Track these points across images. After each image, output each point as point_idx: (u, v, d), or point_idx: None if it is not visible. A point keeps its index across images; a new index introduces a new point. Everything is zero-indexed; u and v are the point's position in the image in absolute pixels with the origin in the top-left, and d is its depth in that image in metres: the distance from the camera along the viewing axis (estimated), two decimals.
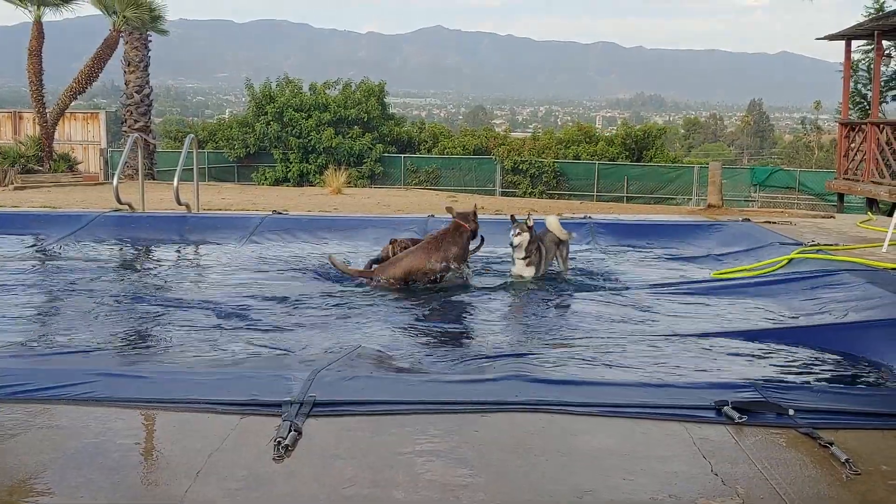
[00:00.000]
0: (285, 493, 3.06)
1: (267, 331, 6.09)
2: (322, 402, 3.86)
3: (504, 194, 31.56)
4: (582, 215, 12.00)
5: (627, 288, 7.69)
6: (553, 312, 6.78)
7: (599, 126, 68.53)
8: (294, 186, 30.78)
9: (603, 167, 33.33)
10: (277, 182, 33.57)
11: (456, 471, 3.22)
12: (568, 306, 7.03)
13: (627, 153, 34.79)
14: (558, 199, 29.10)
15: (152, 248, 10.37)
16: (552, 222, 8.21)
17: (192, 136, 13.56)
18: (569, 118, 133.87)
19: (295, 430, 3.54)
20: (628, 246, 10.27)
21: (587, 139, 35.73)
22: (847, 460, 3.27)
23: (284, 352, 5.52)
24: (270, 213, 11.87)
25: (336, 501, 2.98)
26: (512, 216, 7.97)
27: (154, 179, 26.43)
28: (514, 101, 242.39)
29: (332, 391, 4.02)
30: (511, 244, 7.68)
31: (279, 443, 3.42)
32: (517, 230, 7.69)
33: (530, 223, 7.75)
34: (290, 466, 3.29)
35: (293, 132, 34.49)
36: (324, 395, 3.94)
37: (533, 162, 33.45)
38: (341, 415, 3.81)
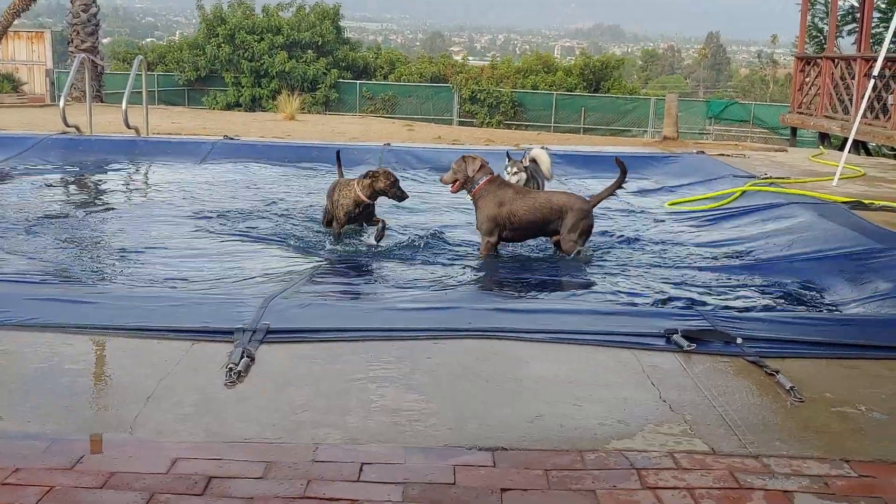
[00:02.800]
0: (237, 417, 3.05)
1: (219, 257, 6.03)
2: (275, 329, 3.84)
3: (461, 124, 31.32)
4: (541, 146, 11.96)
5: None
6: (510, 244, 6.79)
7: (558, 56, 67.96)
8: (246, 111, 30.19)
9: (561, 98, 33.18)
10: (229, 107, 32.86)
11: (408, 396, 3.23)
12: None
13: (585, 84, 34.65)
14: (515, 129, 28.96)
15: (100, 172, 10.14)
16: (541, 156, 7.83)
17: (141, 57, 13.19)
18: (527, 47, 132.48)
19: (247, 356, 3.52)
20: (586, 177, 10.30)
21: (546, 69, 35.47)
22: (792, 388, 3.35)
23: (238, 279, 5.48)
24: (222, 138, 11.67)
25: (288, 426, 2.98)
26: (507, 152, 7.68)
27: (102, 102, 25.70)
28: (472, 29, 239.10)
29: (286, 318, 4.00)
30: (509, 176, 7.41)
31: (231, 368, 3.40)
32: (514, 168, 7.31)
33: (526, 162, 7.44)
34: (243, 392, 3.28)
35: (245, 55, 33.68)
36: (277, 322, 3.92)
37: (491, 91, 33.16)
38: (294, 342, 3.80)
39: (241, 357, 3.50)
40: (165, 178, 9.55)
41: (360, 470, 2.67)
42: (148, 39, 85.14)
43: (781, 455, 2.82)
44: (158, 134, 13.21)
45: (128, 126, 11.92)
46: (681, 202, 8.65)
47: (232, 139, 11.59)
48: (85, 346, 3.75)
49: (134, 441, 2.86)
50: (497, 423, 3.03)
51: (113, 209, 7.86)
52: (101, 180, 9.81)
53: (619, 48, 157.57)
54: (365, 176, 6.40)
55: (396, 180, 6.44)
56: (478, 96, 33.22)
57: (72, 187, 9.28)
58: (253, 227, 6.96)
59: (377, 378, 3.40)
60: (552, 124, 32.02)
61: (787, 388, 3.35)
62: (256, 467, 2.69)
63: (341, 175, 6.95)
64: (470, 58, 48.50)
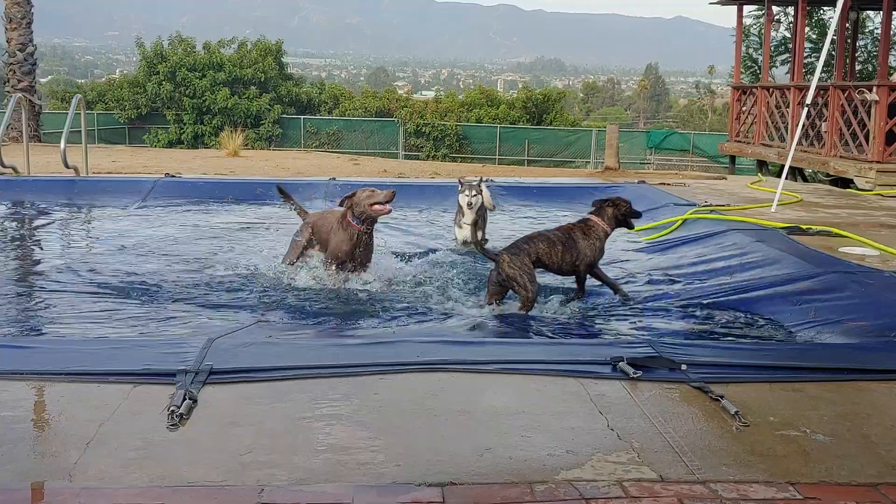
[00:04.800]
0: (180, 460, 2.98)
1: (162, 299, 5.92)
2: (219, 370, 3.77)
3: (407, 157, 31.42)
4: (486, 178, 12.04)
5: None
6: (457, 275, 6.78)
7: (501, 89, 68.78)
8: (189, 149, 29.89)
9: (504, 130, 33.50)
10: (171, 144, 32.53)
11: (355, 434, 3.19)
12: (472, 268, 7.06)
13: (528, 117, 35.05)
14: (461, 162, 29.13)
15: (38, 213, 9.93)
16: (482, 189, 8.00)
17: (79, 96, 13.00)
18: (471, 81, 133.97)
19: (190, 399, 3.45)
20: (529, 207, 10.39)
21: (489, 102, 35.82)
22: (736, 413, 3.38)
23: (180, 321, 5.38)
24: (163, 176, 11.52)
25: (233, 468, 2.91)
26: (460, 179, 7.82)
27: (40, 142, 25.26)
28: (416, 63, 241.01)
29: (229, 358, 3.94)
30: (468, 204, 7.48)
31: (173, 411, 3.32)
32: (473, 191, 7.48)
33: (482, 187, 7.60)
34: (185, 434, 3.21)
35: (187, 92, 33.44)
36: (220, 362, 3.85)
37: (436, 125, 33.35)
38: (239, 382, 3.73)
39: (184, 399, 3.43)
40: (105, 218, 9.38)
41: None
42: (87, 78, 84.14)
43: (728, 480, 2.84)
44: (98, 173, 13.01)
45: (66, 166, 11.72)
46: (641, 229, 8.79)
47: (174, 177, 11.46)
48: (22, 391, 3.64)
49: (74, 488, 2.77)
50: (446, 458, 3.00)
51: (50, 251, 7.69)
52: (38, 221, 9.60)
53: (560, 81, 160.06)
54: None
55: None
56: (423, 130, 33.38)
57: (8, 229, 9.06)
58: (197, 268, 6.86)
59: (323, 416, 3.35)
60: (497, 157, 32.29)
61: (732, 412, 3.38)
62: None
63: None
64: (414, 92, 48.81)
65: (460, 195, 7.61)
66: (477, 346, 4.33)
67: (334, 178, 11.71)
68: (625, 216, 6.13)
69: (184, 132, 33.35)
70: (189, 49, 34.90)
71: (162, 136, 33.35)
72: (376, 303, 5.86)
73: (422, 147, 33.26)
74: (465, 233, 7.62)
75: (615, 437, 3.19)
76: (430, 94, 42.10)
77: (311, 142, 33.37)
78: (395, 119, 33.98)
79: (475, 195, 7.54)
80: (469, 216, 7.52)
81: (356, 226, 6.18)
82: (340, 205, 6.29)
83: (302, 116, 34.59)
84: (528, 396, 3.65)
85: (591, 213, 6.11)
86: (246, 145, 25.79)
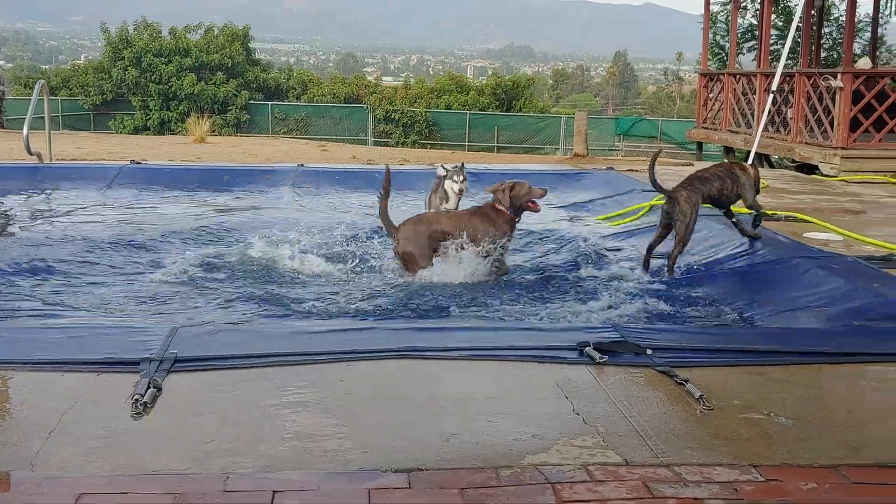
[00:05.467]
0: (144, 449, 2.95)
1: (126, 287, 5.86)
2: (183, 358, 3.74)
3: (377, 144, 31.30)
4: (454, 165, 12.03)
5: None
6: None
7: (471, 76, 68.80)
8: (155, 135, 29.55)
9: (474, 117, 33.48)
10: (137, 131, 32.16)
11: (321, 421, 3.18)
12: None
13: (498, 103, 35.06)
14: (431, 149, 29.06)
15: (1, 200, 9.76)
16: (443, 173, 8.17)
17: (43, 82, 12.80)
18: (441, 67, 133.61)
19: (154, 387, 3.41)
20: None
21: (458, 89, 35.76)
22: (701, 396, 3.41)
23: (145, 309, 5.33)
24: (129, 162, 11.37)
25: (197, 456, 2.89)
26: (443, 165, 7.84)
27: (3, 128, 24.86)
28: (386, 49, 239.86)
29: (195, 346, 3.90)
30: (459, 191, 7.47)
31: (137, 400, 3.29)
32: (461, 177, 7.46)
33: (463, 174, 7.58)
34: (149, 423, 3.17)
35: (153, 78, 33.05)
36: (185, 350, 3.82)
37: (405, 111, 33.24)
38: (204, 370, 3.70)
39: (148, 388, 3.39)
40: (69, 205, 9.24)
41: (272, 498, 2.61)
42: (52, 64, 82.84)
43: (692, 463, 2.87)
44: (62, 160, 12.81)
45: (30, 152, 11.51)
46: (606, 217, 8.84)
47: (139, 163, 11.31)
48: None
49: (36, 478, 2.74)
50: (412, 444, 3.00)
51: (13, 238, 7.57)
52: (1, 208, 9.44)
53: (530, 68, 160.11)
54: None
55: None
56: (392, 116, 33.26)
57: None
58: (162, 255, 6.79)
59: (289, 403, 3.33)
60: (466, 143, 32.28)
61: (697, 396, 3.41)
62: (165, 500, 2.61)
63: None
64: (384, 78, 48.59)
65: (448, 181, 7.61)
66: (444, 332, 4.33)
67: (302, 165, 11.64)
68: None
69: (150, 118, 32.99)
70: (155, 34, 34.50)
71: (128, 123, 32.97)
72: (342, 289, 5.83)
73: (391, 133, 33.16)
74: None
75: (581, 421, 3.21)
76: (399, 81, 41.91)
77: (279, 128, 33.14)
78: (365, 105, 33.82)
79: (464, 181, 7.57)
80: (454, 202, 7.58)
81: (510, 214, 6.28)
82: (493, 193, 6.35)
83: (270, 102, 34.33)
84: (495, 382, 3.66)
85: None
86: (213, 131, 25.55)
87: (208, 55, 33.81)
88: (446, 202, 7.68)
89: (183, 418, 3.22)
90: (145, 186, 10.20)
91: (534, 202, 6.33)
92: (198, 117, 25.04)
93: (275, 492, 2.64)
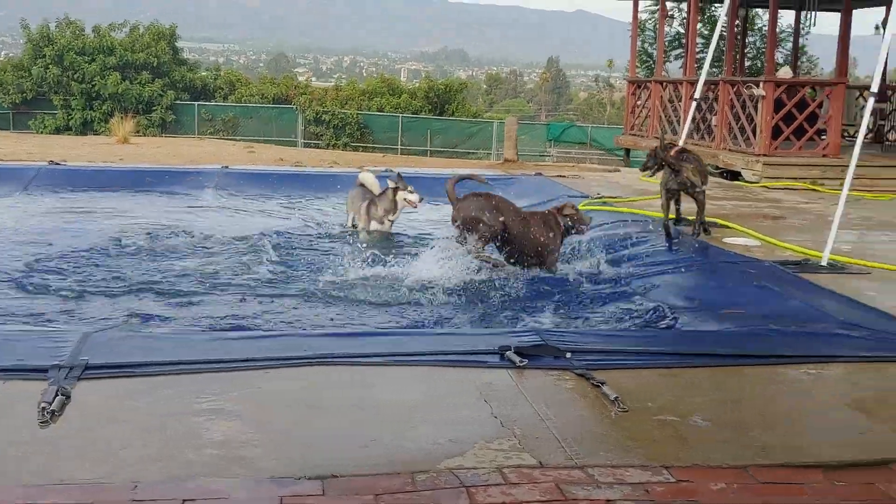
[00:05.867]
0: (51, 458, 2.86)
1: (39, 292, 5.68)
2: (94, 364, 3.64)
3: (307, 146, 31.04)
4: (384, 168, 12.00)
5: (429, 237, 7.86)
6: (351, 267, 6.73)
7: (405, 79, 68.69)
8: (77, 135, 28.81)
9: (407, 120, 33.42)
10: (59, 130, 31.26)
11: (236, 428, 3.12)
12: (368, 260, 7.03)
13: (431, 107, 35.04)
14: (363, 151, 28.95)
15: None
16: (367, 178, 8.34)
17: None
18: (374, 69, 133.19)
19: (63, 395, 3.31)
20: (429, 198, 10.39)
21: (391, 91, 35.65)
22: (616, 398, 3.45)
23: (58, 315, 5.18)
24: (47, 163, 11.06)
25: (106, 465, 2.81)
26: (368, 170, 8.28)
27: None
28: (318, 50, 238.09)
29: (107, 353, 3.81)
30: (412, 202, 7.76)
31: (44, 408, 3.19)
32: (411, 186, 7.77)
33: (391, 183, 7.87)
34: (57, 431, 3.08)
35: (75, 77, 32.19)
36: (97, 357, 3.72)
37: (336, 113, 32.98)
38: (116, 377, 3.61)
39: (56, 395, 3.29)
40: None
41: None
42: None
43: (605, 465, 2.90)
44: None
45: None
46: None
47: (58, 164, 11.01)
48: None
49: None
50: (329, 451, 2.97)
51: None
52: None
53: (464, 72, 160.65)
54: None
55: None
56: (323, 118, 32.98)
57: None
58: (77, 260, 6.60)
59: (203, 411, 3.27)
60: (399, 147, 32.22)
61: (612, 398, 3.45)
62: None
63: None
64: (315, 79, 48.20)
65: (404, 192, 7.75)
66: (365, 338, 4.31)
67: (227, 167, 11.47)
68: None
69: (72, 118, 32.12)
70: (78, 32, 33.61)
71: (49, 122, 32.04)
72: (265, 294, 5.76)
73: (322, 135, 32.89)
74: (383, 227, 7.92)
75: (498, 424, 3.21)
76: (331, 83, 41.62)
77: (205, 128, 32.59)
78: (294, 106, 33.48)
79: (413, 189, 7.80)
80: (398, 213, 7.73)
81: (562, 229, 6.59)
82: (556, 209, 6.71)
83: (196, 102, 33.71)
84: (416, 387, 3.65)
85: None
86: (137, 132, 25.03)
87: (133, 54, 33.07)
88: (392, 214, 7.77)
89: (92, 426, 3.14)
90: (64, 188, 9.93)
91: (580, 231, 6.67)
92: (122, 117, 24.48)
93: (185, 500, 2.59)
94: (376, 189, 8.19)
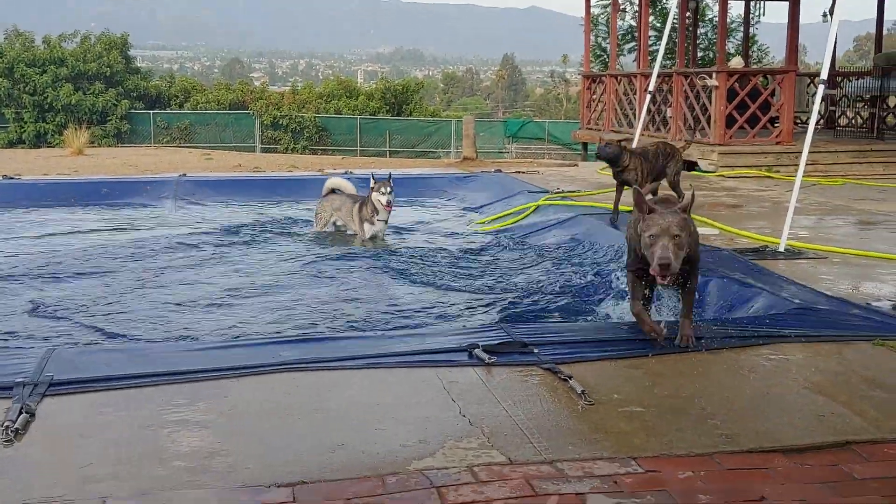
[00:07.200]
0: (14, 478, 2.82)
1: (2, 309, 5.61)
2: (59, 381, 3.59)
3: (265, 150, 30.83)
4: (343, 171, 11.98)
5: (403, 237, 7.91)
6: (319, 272, 6.72)
7: (362, 80, 68.44)
8: (31, 148, 28.38)
9: (365, 122, 33.36)
10: (11, 144, 30.80)
11: (204, 438, 3.11)
12: (340, 261, 7.03)
13: (388, 108, 35.02)
14: (322, 154, 28.83)
15: None
16: (342, 183, 8.33)
17: None
18: (330, 72, 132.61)
19: (26, 412, 3.27)
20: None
21: (348, 94, 35.56)
22: (583, 392, 3.49)
23: (20, 332, 5.11)
24: (0, 178, 10.88)
25: (74, 483, 2.78)
26: (372, 174, 7.98)
27: None
28: (272, 54, 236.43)
29: (72, 368, 3.76)
30: (388, 203, 7.69)
31: (7, 426, 3.15)
32: (389, 188, 7.66)
33: (390, 185, 7.75)
34: (21, 450, 3.04)
35: (27, 89, 31.71)
36: (62, 372, 3.67)
37: (294, 117, 32.84)
38: (82, 392, 3.56)
39: (20, 413, 3.25)
40: None
41: None
42: None
43: (574, 459, 2.93)
44: None
45: None
46: (485, 221, 8.92)
47: (11, 178, 10.83)
48: None
49: None
50: (298, 457, 2.97)
51: None
52: None
53: (420, 71, 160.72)
54: None
55: None
56: (280, 122, 32.82)
57: None
58: (37, 275, 6.52)
59: (171, 423, 3.25)
60: (358, 148, 32.15)
61: (579, 392, 3.49)
62: None
63: None
64: (271, 84, 47.86)
65: (376, 193, 7.67)
66: (332, 342, 4.30)
67: (185, 174, 11.37)
68: None
69: (24, 131, 31.65)
70: (27, 44, 33.14)
71: (1, 136, 31.54)
72: (230, 303, 5.73)
73: (279, 140, 32.72)
74: (377, 228, 7.84)
75: (467, 423, 3.23)
76: (287, 87, 41.34)
77: (162, 137, 32.27)
78: (251, 112, 33.26)
79: (392, 192, 7.69)
80: (384, 213, 7.69)
81: None
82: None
83: (151, 111, 33.38)
84: (384, 389, 3.65)
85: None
86: (93, 143, 24.74)
87: (85, 64, 32.67)
88: (377, 215, 7.73)
89: (58, 444, 3.10)
90: (18, 202, 9.78)
91: None
92: (75, 128, 24.18)
93: None
94: (352, 190, 8.15)
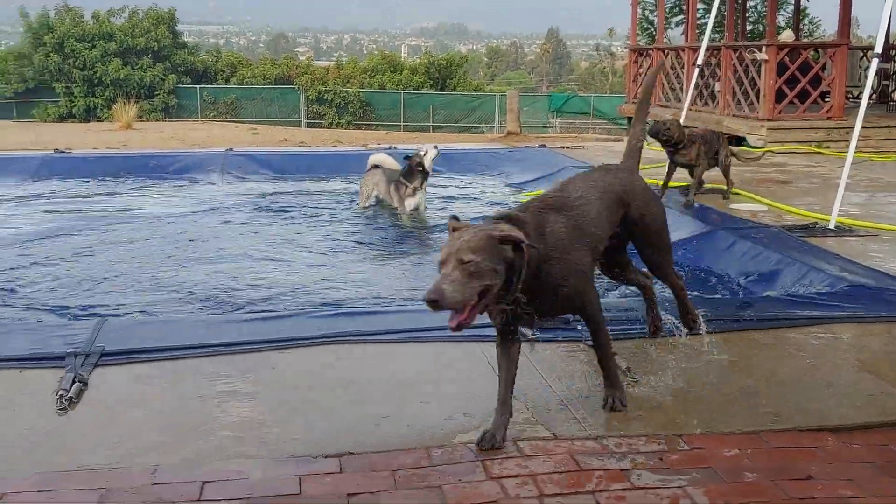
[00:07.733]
0: (70, 445, 2.90)
1: (54, 281, 5.73)
2: (110, 351, 3.67)
3: (310, 125, 30.99)
4: (387, 146, 12.00)
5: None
6: (363, 245, 6.77)
7: (405, 55, 68.33)
8: (81, 122, 28.84)
9: (408, 96, 33.34)
10: (62, 118, 31.33)
11: (252, 409, 3.16)
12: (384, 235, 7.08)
13: (432, 82, 34.93)
14: (366, 129, 28.92)
15: None
16: (385, 159, 8.36)
17: None
18: (374, 46, 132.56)
19: (80, 381, 3.35)
20: (443, 174, 10.43)
21: (392, 68, 35.53)
22: (628, 368, 3.48)
23: (73, 303, 5.22)
24: (52, 151, 11.08)
25: (125, 450, 2.85)
26: (406, 155, 8.01)
27: None
28: (317, 29, 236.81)
29: (122, 339, 3.84)
30: (428, 156, 7.83)
31: (62, 395, 3.23)
32: (433, 150, 7.90)
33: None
34: (75, 418, 3.12)
35: (76, 64, 32.18)
36: (113, 343, 3.75)
37: (338, 92, 32.92)
38: (132, 362, 3.64)
39: (73, 382, 3.33)
40: None
41: (202, 489, 2.59)
42: None
43: (618, 435, 2.93)
44: None
45: None
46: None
47: (63, 152, 11.03)
48: None
49: None
50: (344, 429, 3.00)
51: None
52: None
53: (464, 46, 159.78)
54: None
55: None
56: (325, 97, 32.92)
57: None
58: (88, 248, 6.64)
59: (219, 394, 3.30)
60: (401, 123, 32.15)
61: (623, 368, 3.47)
62: (91, 496, 2.57)
63: None
64: (316, 59, 47.99)
65: (418, 159, 7.77)
66: (377, 316, 4.33)
67: (231, 149, 11.47)
68: None
69: (75, 105, 32.15)
70: (77, 19, 33.57)
71: (52, 110, 32.09)
72: (275, 275, 5.79)
73: (324, 115, 32.83)
74: (415, 200, 7.87)
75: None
76: (332, 62, 41.46)
77: (208, 111, 32.57)
78: (296, 86, 33.40)
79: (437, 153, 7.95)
80: (419, 180, 7.81)
81: None
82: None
83: (198, 86, 33.69)
84: (428, 363, 3.68)
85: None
86: (140, 117, 25.07)
87: (133, 39, 33.04)
88: (419, 184, 7.81)
89: (110, 412, 3.17)
90: (71, 176, 9.95)
91: None
92: (124, 103, 24.52)
93: (204, 482, 2.62)
94: (395, 165, 8.21)
